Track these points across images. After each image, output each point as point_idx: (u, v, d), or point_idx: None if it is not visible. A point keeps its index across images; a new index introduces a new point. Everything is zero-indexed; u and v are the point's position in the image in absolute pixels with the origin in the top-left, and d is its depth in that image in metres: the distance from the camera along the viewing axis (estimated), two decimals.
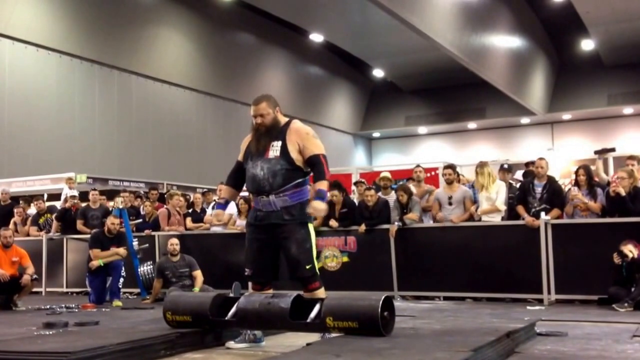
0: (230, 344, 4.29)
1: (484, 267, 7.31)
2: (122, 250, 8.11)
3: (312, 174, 4.24)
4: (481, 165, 7.67)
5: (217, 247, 8.94)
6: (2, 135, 14.51)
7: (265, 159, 4.15)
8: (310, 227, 4.24)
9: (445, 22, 16.56)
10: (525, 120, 26.56)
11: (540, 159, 7.56)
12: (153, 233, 9.29)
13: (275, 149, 4.14)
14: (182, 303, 4.42)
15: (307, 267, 4.15)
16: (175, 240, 8.03)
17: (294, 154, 4.13)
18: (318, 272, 4.26)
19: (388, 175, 8.88)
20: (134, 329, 4.86)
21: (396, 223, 7.76)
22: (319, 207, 4.07)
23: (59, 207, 10.62)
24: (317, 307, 4.01)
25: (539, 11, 21.73)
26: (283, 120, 4.27)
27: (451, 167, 8.03)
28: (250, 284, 4.54)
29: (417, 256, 7.77)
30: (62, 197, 11.03)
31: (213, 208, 9.27)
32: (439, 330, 4.30)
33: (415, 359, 3.17)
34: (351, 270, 7.98)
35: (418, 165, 8.74)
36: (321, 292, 4.18)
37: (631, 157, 7.58)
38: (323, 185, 4.11)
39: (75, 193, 10.79)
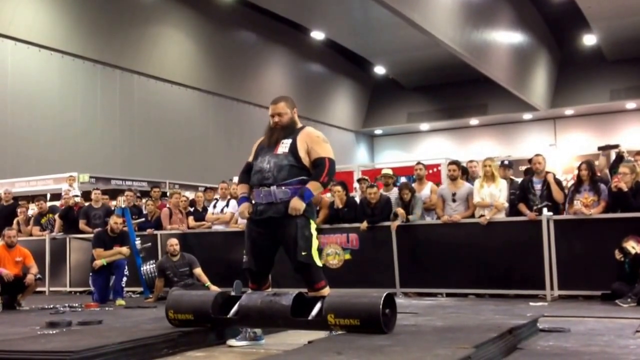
0: (231, 341, 4.30)
1: (487, 264, 7.30)
2: (125, 250, 8.13)
3: None
4: (492, 159, 7.70)
5: (218, 245, 8.95)
6: (4, 136, 14.55)
7: (274, 154, 4.22)
8: (311, 222, 4.24)
9: (447, 19, 16.53)
10: (527, 116, 26.53)
11: (537, 155, 7.55)
12: (155, 232, 9.31)
13: (284, 146, 4.21)
14: (184, 301, 4.43)
15: (303, 253, 4.12)
16: (174, 241, 8.04)
17: (302, 153, 4.18)
18: (321, 268, 4.25)
19: (389, 172, 8.87)
20: (136, 327, 4.88)
21: (398, 218, 7.75)
22: (295, 206, 4.08)
23: (57, 205, 10.62)
24: (318, 305, 4.02)
25: (541, 6, 21.68)
26: (298, 123, 4.35)
27: (456, 163, 8.00)
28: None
29: (419, 253, 7.77)
30: (62, 195, 11.07)
31: (214, 207, 9.31)
32: (441, 327, 4.29)
33: (417, 356, 3.17)
34: (353, 267, 7.97)
35: (419, 163, 8.72)
36: (326, 291, 4.19)
37: (639, 153, 7.57)
38: (312, 185, 4.14)
39: (78, 193, 10.83)
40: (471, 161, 8.63)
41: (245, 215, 4.34)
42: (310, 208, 4.29)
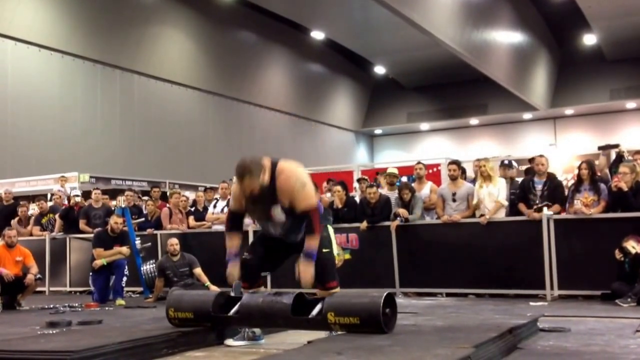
0: (229, 341, 4.30)
1: (487, 264, 7.30)
2: (125, 249, 8.13)
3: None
4: (486, 159, 7.70)
5: (219, 245, 8.83)
6: (5, 136, 14.55)
7: (274, 223, 4.15)
8: (327, 226, 4.29)
9: (447, 18, 16.54)
10: (527, 115, 26.53)
11: (540, 156, 7.54)
12: (155, 232, 9.30)
13: (278, 214, 4.08)
14: (185, 300, 4.44)
15: (324, 250, 4.14)
16: (174, 240, 8.05)
17: (291, 206, 4.06)
18: (336, 272, 4.28)
19: (395, 171, 8.87)
20: (136, 327, 4.88)
21: (398, 218, 7.75)
22: (306, 274, 3.99)
23: (49, 205, 10.62)
24: (319, 305, 4.03)
25: (541, 6, 21.68)
26: (268, 171, 3.98)
27: (456, 162, 7.99)
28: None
29: (419, 253, 7.76)
30: (53, 196, 11.09)
31: (215, 207, 9.31)
32: (441, 326, 4.30)
33: (417, 355, 3.17)
34: (353, 267, 7.96)
35: (419, 162, 8.72)
36: (335, 292, 4.21)
37: (638, 152, 7.58)
38: (312, 242, 4.02)
39: (79, 192, 10.82)
40: (478, 160, 8.56)
41: (234, 279, 4.22)
42: (325, 214, 4.34)
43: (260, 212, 4.14)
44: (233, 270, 4.18)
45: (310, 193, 4.04)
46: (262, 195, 3.97)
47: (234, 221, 4.28)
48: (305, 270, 4.00)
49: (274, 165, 4.02)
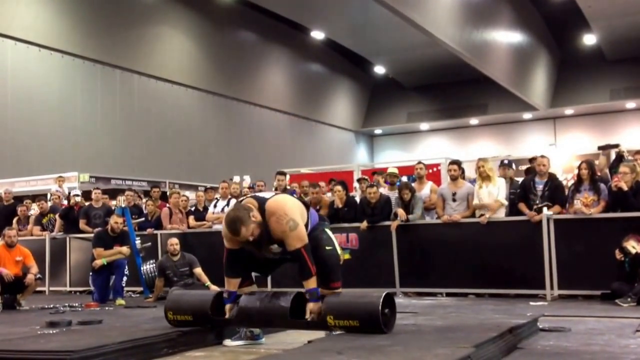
0: (227, 342, 4.30)
1: (487, 263, 7.30)
2: (125, 249, 8.13)
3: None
4: (485, 159, 7.70)
5: (219, 245, 8.84)
6: (5, 136, 14.55)
7: (274, 253, 4.21)
8: (326, 230, 4.33)
9: (447, 18, 16.54)
10: (527, 115, 26.53)
11: (542, 156, 7.54)
12: (155, 232, 9.30)
13: (275, 248, 4.17)
14: (183, 302, 4.44)
15: (328, 247, 4.18)
16: (174, 240, 8.05)
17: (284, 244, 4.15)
18: (340, 271, 4.27)
19: (395, 171, 8.87)
20: (136, 327, 4.89)
21: (398, 218, 7.75)
22: (315, 310, 4.04)
23: (49, 205, 10.63)
24: None
25: (540, 6, 21.69)
26: (257, 210, 4.04)
27: (456, 162, 7.99)
28: None
29: (419, 252, 7.77)
30: (50, 197, 11.08)
31: (215, 206, 9.32)
32: (441, 326, 4.30)
33: (417, 355, 3.17)
34: (353, 267, 7.90)
35: (419, 162, 8.72)
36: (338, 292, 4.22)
37: (638, 152, 7.58)
38: (310, 283, 4.05)
39: (79, 192, 10.82)
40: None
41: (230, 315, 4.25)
42: (322, 222, 4.41)
43: (257, 250, 4.15)
44: (229, 310, 4.25)
45: (301, 234, 4.05)
46: (259, 239, 4.03)
47: (233, 262, 4.26)
48: (314, 308, 4.04)
49: (261, 205, 4.06)
